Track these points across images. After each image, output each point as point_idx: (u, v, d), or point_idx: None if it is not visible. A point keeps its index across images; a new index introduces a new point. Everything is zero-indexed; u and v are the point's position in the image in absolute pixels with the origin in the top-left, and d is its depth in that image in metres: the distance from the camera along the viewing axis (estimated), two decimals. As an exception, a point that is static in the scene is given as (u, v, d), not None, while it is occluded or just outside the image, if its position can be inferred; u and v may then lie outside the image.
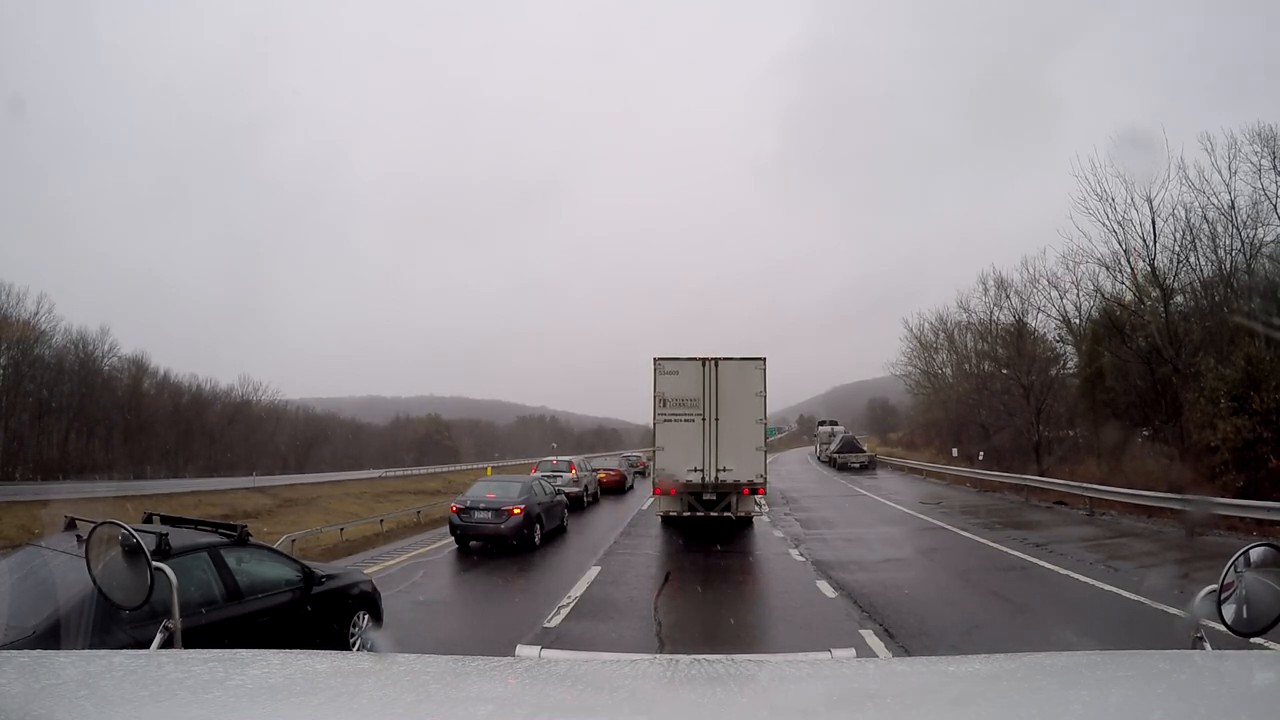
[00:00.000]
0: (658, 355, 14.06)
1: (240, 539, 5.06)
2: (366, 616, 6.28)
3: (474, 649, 6.16)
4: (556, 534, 13.96)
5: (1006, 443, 28.39)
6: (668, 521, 14.65)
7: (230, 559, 4.90)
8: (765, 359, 13.91)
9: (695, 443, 13.71)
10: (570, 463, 20.81)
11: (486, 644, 6.73)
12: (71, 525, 4.69)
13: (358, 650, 5.91)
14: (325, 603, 5.69)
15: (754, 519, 14.88)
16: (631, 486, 25.90)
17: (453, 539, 12.70)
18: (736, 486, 13.66)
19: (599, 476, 24.45)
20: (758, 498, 15.07)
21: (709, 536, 13.53)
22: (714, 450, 13.65)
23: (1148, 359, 19.50)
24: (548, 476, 16.94)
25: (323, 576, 5.76)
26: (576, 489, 18.90)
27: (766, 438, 14.82)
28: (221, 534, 5.06)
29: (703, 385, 13.75)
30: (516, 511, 12.13)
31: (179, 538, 4.59)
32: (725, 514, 13.84)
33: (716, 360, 13.83)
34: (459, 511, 12.38)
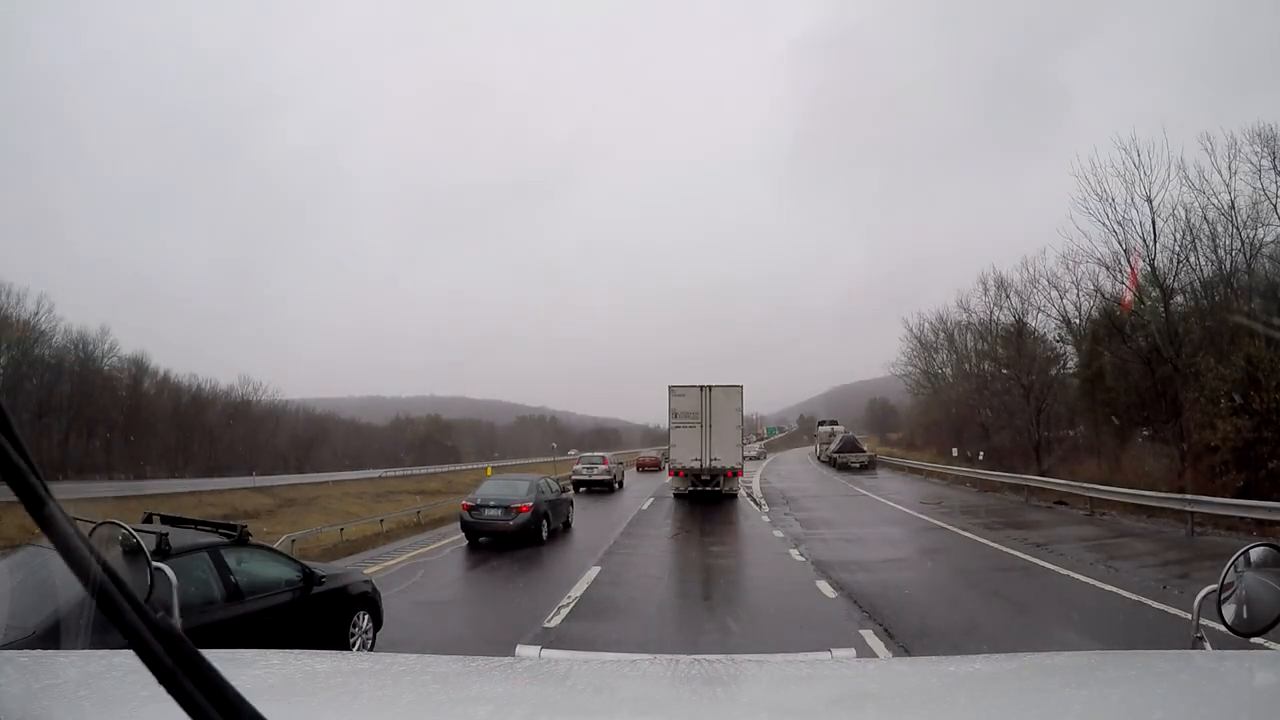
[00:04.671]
0: (671, 384, 20.75)
1: (240, 539, 5.08)
2: (367, 616, 6.29)
3: (475, 649, 6.15)
4: (563, 531, 14.57)
5: (1006, 443, 28.38)
6: (679, 498, 20.32)
7: (230, 559, 4.91)
8: (742, 386, 20.83)
9: (696, 441, 19.89)
10: (603, 457, 27.18)
11: (488, 643, 6.73)
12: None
13: (358, 650, 5.94)
14: (325, 603, 5.71)
15: (754, 517, 17.18)
16: (663, 468, 32.24)
17: (447, 541, 13.15)
18: (723, 470, 20.10)
19: (645, 460, 36.94)
20: (751, 487, 22.74)
21: (710, 537, 14.03)
22: (708, 446, 19.98)
23: (1148, 359, 19.50)
24: (587, 466, 25.56)
25: (322, 576, 5.76)
26: (608, 477, 25.23)
27: (743, 438, 22.01)
28: (221, 534, 5.07)
29: (701, 403, 20.29)
30: (524, 509, 12.78)
31: (179, 538, 4.60)
32: (716, 489, 20.02)
33: (710, 387, 20.47)
34: (470, 509, 13.10)
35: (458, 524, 13.56)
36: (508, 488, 13.63)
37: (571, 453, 39.55)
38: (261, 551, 5.54)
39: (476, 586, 10.19)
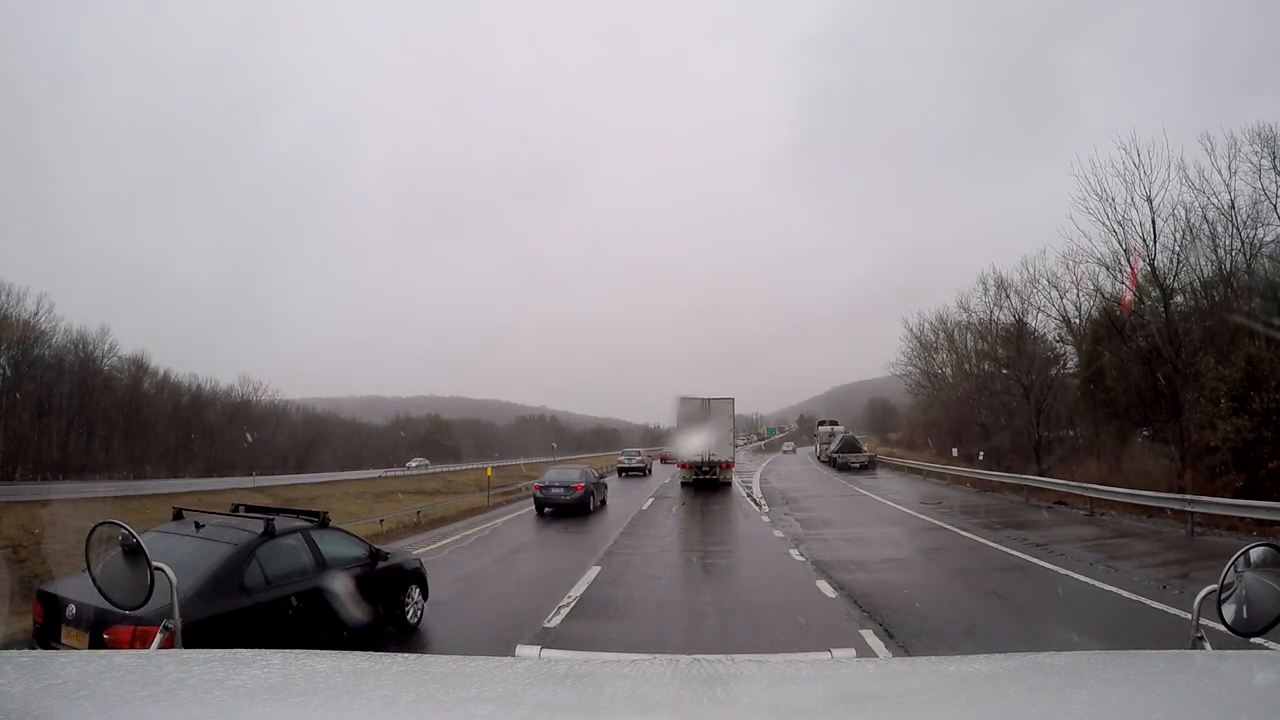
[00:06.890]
0: (679, 396, 26.65)
1: (323, 523, 6.24)
2: (417, 589, 7.42)
3: (475, 649, 6.18)
4: (600, 506, 19.00)
5: (1006, 443, 28.37)
6: (685, 486, 25.06)
7: (317, 538, 6.00)
8: (734, 398, 26.76)
9: (697, 441, 24.56)
10: (638, 451, 38.31)
11: (487, 644, 6.74)
12: (179, 515, 5.82)
13: (409, 614, 7.16)
14: (387, 575, 6.88)
15: (754, 517, 17.52)
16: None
17: (448, 540, 14.18)
18: (718, 462, 25.29)
19: (666, 455, 41.97)
20: (751, 487, 26.39)
21: (710, 537, 14.22)
22: (707, 444, 24.72)
23: (1148, 359, 19.48)
24: (628, 457, 36.38)
25: (386, 554, 7.03)
26: (642, 465, 35.30)
27: (734, 438, 27.92)
28: (306, 519, 6.19)
29: (701, 411, 25.56)
30: (579, 488, 17.77)
31: (279, 523, 5.71)
32: (714, 478, 24.96)
33: (709, 399, 26.13)
34: (540, 489, 18.14)
35: (456, 524, 15.03)
36: (565, 474, 18.66)
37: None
38: (338, 533, 6.60)
39: (477, 584, 10.17)
